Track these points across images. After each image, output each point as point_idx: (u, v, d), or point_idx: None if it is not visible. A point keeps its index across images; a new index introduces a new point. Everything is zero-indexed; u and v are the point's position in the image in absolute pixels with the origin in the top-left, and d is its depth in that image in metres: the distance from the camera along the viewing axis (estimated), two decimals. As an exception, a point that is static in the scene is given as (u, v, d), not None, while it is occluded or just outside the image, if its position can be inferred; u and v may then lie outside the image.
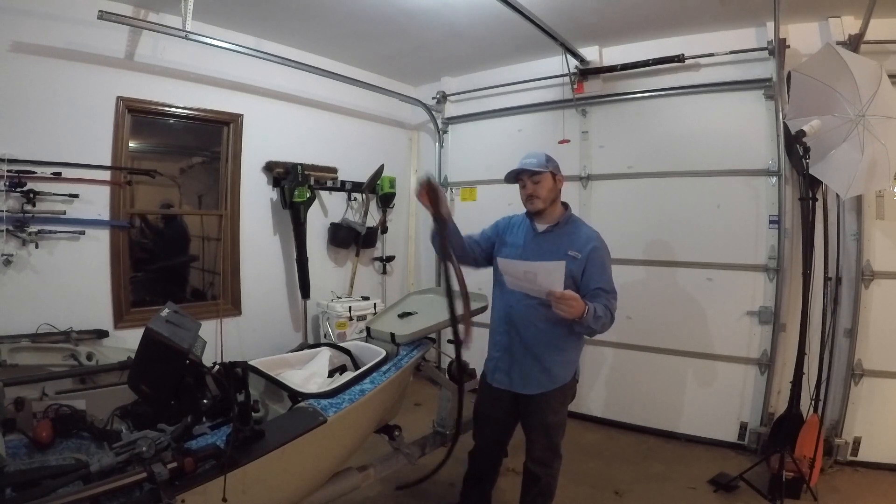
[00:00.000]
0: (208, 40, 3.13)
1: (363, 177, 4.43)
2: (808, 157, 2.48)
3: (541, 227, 2.14)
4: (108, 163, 3.09)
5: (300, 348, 2.48)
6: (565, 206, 2.18)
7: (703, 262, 3.49)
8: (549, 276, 1.82)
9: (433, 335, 2.56)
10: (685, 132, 3.56)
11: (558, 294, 1.82)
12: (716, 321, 3.46)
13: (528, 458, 2.16)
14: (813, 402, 2.83)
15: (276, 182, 3.90)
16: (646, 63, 3.60)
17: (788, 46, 3.14)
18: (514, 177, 2.13)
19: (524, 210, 2.21)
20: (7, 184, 2.65)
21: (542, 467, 2.13)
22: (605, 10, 3.22)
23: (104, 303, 3.13)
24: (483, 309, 2.48)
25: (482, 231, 2.31)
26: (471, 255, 2.21)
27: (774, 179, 3.26)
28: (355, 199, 4.50)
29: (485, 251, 2.24)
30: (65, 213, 2.88)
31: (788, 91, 2.77)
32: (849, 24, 3.00)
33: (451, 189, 4.75)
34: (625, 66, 3.69)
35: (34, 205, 2.74)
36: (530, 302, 1.99)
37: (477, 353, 2.45)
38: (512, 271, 1.98)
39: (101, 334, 2.98)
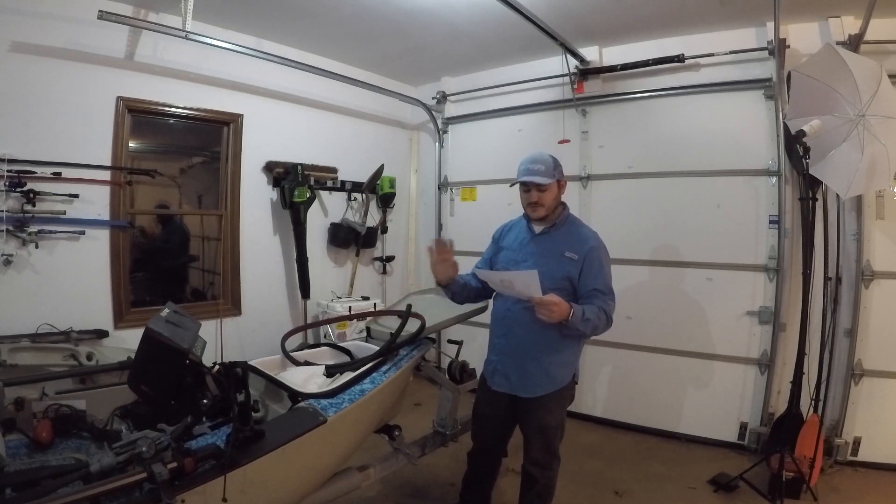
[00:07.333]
0: (208, 40, 3.12)
1: (363, 177, 4.43)
2: (808, 157, 2.48)
3: (538, 228, 2.12)
4: (108, 163, 3.09)
5: (300, 348, 2.49)
6: (563, 205, 2.16)
7: (703, 261, 3.48)
8: (525, 282, 1.83)
9: (433, 335, 2.56)
10: (685, 132, 3.56)
11: (537, 299, 1.83)
12: (716, 321, 3.46)
13: (526, 460, 2.16)
14: (813, 402, 2.82)
15: (276, 182, 3.90)
16: (646, 63, 3.60)
17: (788, 46, 3.14)
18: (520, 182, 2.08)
19: (522, 212, 2.19)
20: (7, 184, 2.65)
21: (539, 469, 2.13)
22: (605, 10, 3.22)
23: (104, 303, 3.12)
24: (483, 309, 2.48)
25: (483, 256, 2.30)
26: (481, 293, 2.22)
27: (774, 179, 3.26)
28: (355, 199, 4.50)
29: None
30: (65, 213, 2.88)
31: (788, 91, 2.77)
32: (849, 24, 3.00)
33: (451, 189, 4.75)
34: (625, 66, 3.69)
35: (34, 205, 2.74)
36: (526, 305, 1.97)
37: (477, 353, 2.45)
38: (491, 281, 1.99)
39: (101, 334, 2.98)
